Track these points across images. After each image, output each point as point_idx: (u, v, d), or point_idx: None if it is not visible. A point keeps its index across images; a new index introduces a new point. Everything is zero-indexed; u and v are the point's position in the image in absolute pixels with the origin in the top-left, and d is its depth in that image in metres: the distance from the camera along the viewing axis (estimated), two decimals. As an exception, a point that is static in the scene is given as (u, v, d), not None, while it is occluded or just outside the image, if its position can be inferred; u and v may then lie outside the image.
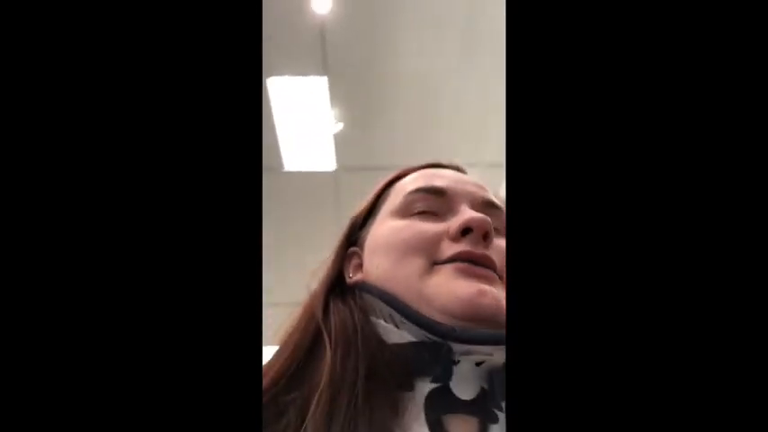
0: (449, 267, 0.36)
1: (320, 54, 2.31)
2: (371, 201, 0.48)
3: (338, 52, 2.32)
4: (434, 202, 0.41)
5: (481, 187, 0.44)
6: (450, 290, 0.35)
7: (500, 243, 0.39)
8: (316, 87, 2.44)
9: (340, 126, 2.66)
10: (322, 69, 2.37)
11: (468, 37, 2.27)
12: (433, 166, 0.48)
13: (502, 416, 0.32)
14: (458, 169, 0.49)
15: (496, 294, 0.35)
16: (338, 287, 0.43)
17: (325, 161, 2.83)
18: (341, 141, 2.76)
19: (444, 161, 0.50)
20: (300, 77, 2.38)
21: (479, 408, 0.32)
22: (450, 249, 0.37)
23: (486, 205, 0.42)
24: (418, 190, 0.43)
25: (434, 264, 0.37)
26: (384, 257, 0.40)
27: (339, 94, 2.51)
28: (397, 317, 0.36)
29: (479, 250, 0.37)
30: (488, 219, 0.37)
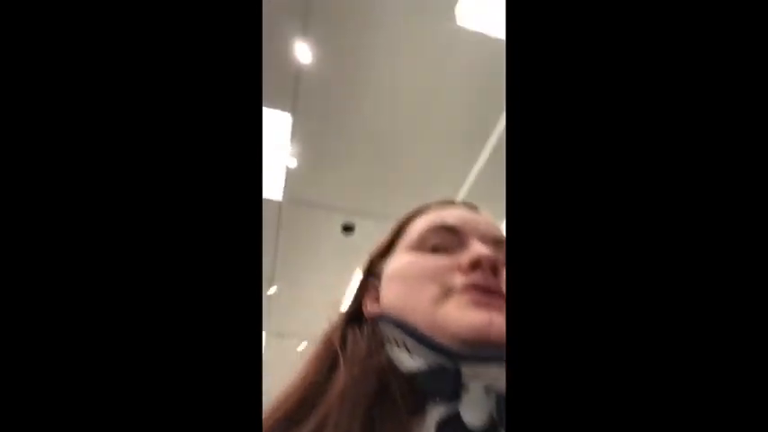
0: (461, 296, 0.38)
1: (291, 94, 2.56)
2: (390, 236, 0.51)
3: (308, 97, 2.59)
4: (447, 238, 0.44)
5: (491, 224, 0.47)
6: (462, 317, 0.37)
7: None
8: (280, 122, 2.68)
9: (294, 162, 2.90)
10: (289, 107, 2.63)
11: (425, 100, 2.64)
12: (447, 203, 0.51)
13: None
14: (470, 207, 0.52)
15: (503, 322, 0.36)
16: (357, 318, 0.46)
17: (274, 191, 3.04)
18: (292, 176, 2.98)
19: (456, 201, 0.53)
20: (268, 109, 2.61)
21: (498, 421, 0.32)
22: (462, 280, 0.39)
23: (495, 241, 0.44)
24: (432, 226, 0.45)
25: (447, 292, 0.39)
26: (400, 287, 0.42)
27: (300, 134, 2.76)
28: (410, 342, 0.38)
29: (489, 282, 0.38)
30: (497, 255, 0.40)
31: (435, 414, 0.33)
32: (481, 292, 0.38)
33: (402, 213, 0.53)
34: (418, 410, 0.33)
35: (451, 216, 0.46)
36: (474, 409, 0.32)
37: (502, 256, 0.42)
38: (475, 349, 0.35)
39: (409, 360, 0.37)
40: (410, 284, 0.41)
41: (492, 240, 0.44)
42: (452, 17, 2.25)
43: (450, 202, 0.51)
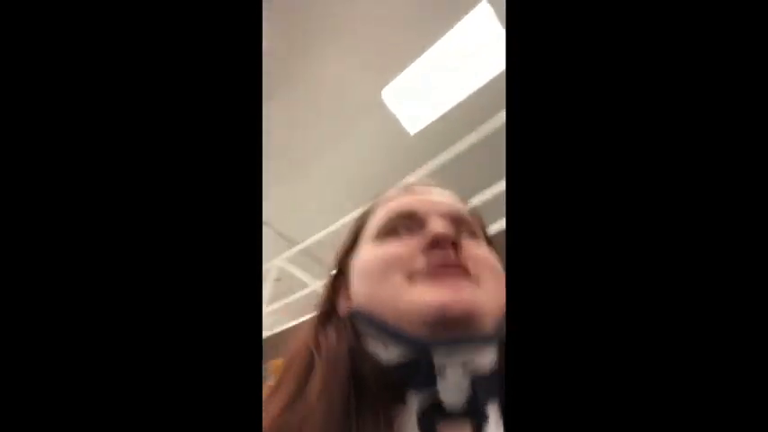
0: (423, 279, 0.38)
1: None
2: (352, 232, 0.50)
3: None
4: (406, 223, 0.44)
5: (449, 202, 0.47)
6: (423, 299, 0.36)
7: (473, 248, 0.42)
8: None
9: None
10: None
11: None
12: (402, 190, 0.51)
13: (492, 414, 0.34)
14: (425, 187, 0.51)
15: (468, 294, 0.36)
16: (330, 318, 0.45)
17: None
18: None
19: (417, 186, 0.52)
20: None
21: (470, 411, 0.33)
22: (423, 261, 0.39)
23: (454, 217, 0.44)
24: (390, 214, 0.45)
25: (409, 277, 0.39)
26: (366, 280, 0.42)
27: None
28: (382, 335, 0.38)
29: (449, 258, 0.38)
30: (451, 232, 0.40)
31: (415, 402, 0.34)
32: (442, 270, 0.38)
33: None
34: (398, 401, 0.34)
35: (408, 201, 0.46)
36: (452, 392, 0.33)
37: (463, 228, 0.44)
38: (442, 330, 0.35)
39: (384, 352, 0.37)
40: (375, 276, 0.41)
41: (451, 217, 0.44)
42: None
43: (405, 188, 0.51)
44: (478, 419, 0.33)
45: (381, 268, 0.41)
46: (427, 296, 0.36)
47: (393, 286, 0.39)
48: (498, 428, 0.34)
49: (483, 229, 0.49)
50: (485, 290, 0.38)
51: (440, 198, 0.47)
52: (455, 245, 0.40)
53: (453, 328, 0.35)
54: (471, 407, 0.33)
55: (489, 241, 0.48)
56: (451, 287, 0.36)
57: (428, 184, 0.52)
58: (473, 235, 0.45)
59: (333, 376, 0.37)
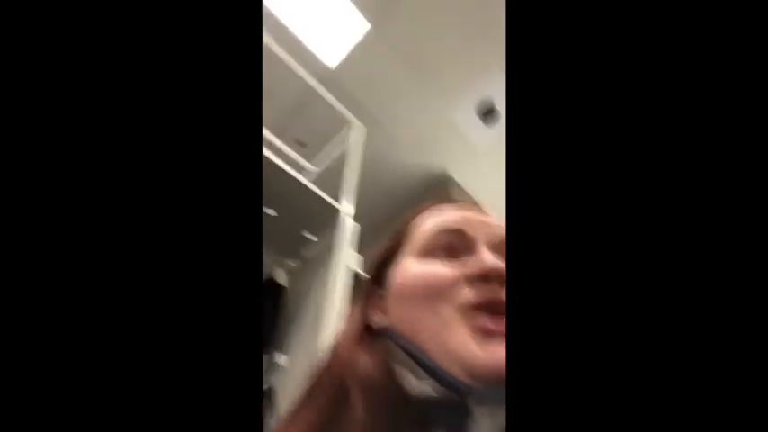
0: (472, 320, 0.35)
1: None
2: (393, 239, 0.48)
3: None
4: (454, 242, 0.42)
5: (498, 226, 0.44)
6: (474, 351, 0.34)
7: None
8: None
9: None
10: None
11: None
12: (451, 204, 0.48)
13: None
14: (476, 206, 0.48)
15: None
16: (365, 333, 0.43)
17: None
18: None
19: (460, 198, 0.50)
20: None
21: None
22: (472, 295, 0.36)
23: (503, 245, 0.42)
24: (437, 231, 0.43)
25: (457, 310, 0.36)
26: (408, 304, 0.39)
27: None
28: (419, 368, 0.36)
29: (498, 299, 0.36)
30: (503, 266, 0.37)
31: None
32: (491, 316, 0.35)
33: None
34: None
35: (458, 218, 0.44)
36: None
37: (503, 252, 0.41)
38: (486, 386, 0.33)
39: (418, 385, 0.35)
40: (418, 302, 0.38)
41: (500, 245, 0.41)
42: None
43: (455, 202, 0.48)
44: None
45: (427, 294, 0.38)
46: (482, 351, 0.34)
47: (441, 320, 0.36)
48: None
49: None
50: None
51: (489, 221, 0.44)
52: (503, 280, 0.36)
53: (496, 383, 0.33)
54: None
55: None
56: (503, 343, 0.34)
57: (473, 203, 0.49)
58: None
59: (371, 410, 0.35)
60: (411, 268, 0.41)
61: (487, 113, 2.72)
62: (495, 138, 2.89)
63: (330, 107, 1.89)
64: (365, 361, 0.39)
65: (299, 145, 2.55)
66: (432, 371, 0.34)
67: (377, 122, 2.73)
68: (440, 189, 3.15)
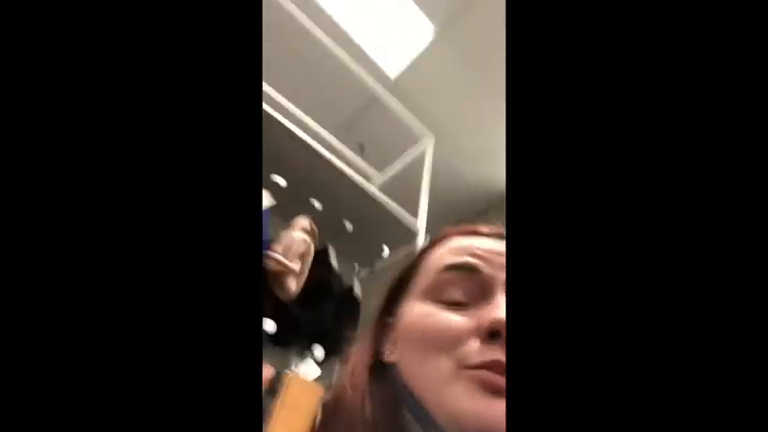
0: (473, 377, 0.32)
1: None
2: (406, 269, 0.44)
3: None
4: (467, 284, 0.37)
5: None
6: (472, 408, 0.31)
7: None
8: None
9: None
10: None
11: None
12: (472, 232, 0.43)
13: None
14: (501, 236, 0.42)
15: None
16: (376, 365, 0.41)
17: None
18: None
19: (485, 227, 0.43)
20: None
21: None
22: (477, 355, 0.33)
23: None
24: (450, 267, 0.38)
25: (459, 367, 0.33)
26: (411, 349, 0.37)
27: None
28: (419, 417, 0.34)
29: (503, 361, 0.32)
30: None
31: None
32: (494, 372, 0.32)
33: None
34: None
35: (474, 253, 0.39)
36: None
37: None
38: None
39: (415, 428, 0.35)
40: (421, 350, 0.36)
41: None
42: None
43: (476, 231, 0.43)
44: None
45: (429, 344, 0.35)
46: (480, 408, 0.31)
47: (440, 373, 0.34)
48: None
49: None
50: None
51: None
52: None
53: None
54: None
55: None
56: (500, 405, 0.31)
57: (499, 233, 0.42)
58: None
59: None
60: (418, 311, 0.38)
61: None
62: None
63: (395, 116, 1.79)
64: (373, 396, 0.38)
65: (360, 149, 2.47)
66: (428, 421, 0.33)
67: (442, 133, 2.60)
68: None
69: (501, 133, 2.65)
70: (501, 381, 0.32)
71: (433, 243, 0.44)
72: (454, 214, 3.00)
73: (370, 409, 0.37)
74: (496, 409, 0.31)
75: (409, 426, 0.35)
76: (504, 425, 0.30)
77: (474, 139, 2.73)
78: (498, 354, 0.33)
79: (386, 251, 1.50)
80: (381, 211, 1.38)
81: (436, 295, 0.38)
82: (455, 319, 0.35)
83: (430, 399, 0.34)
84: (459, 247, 0.40)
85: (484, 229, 0.44)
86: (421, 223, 1.46)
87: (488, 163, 2.85)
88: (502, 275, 0.37)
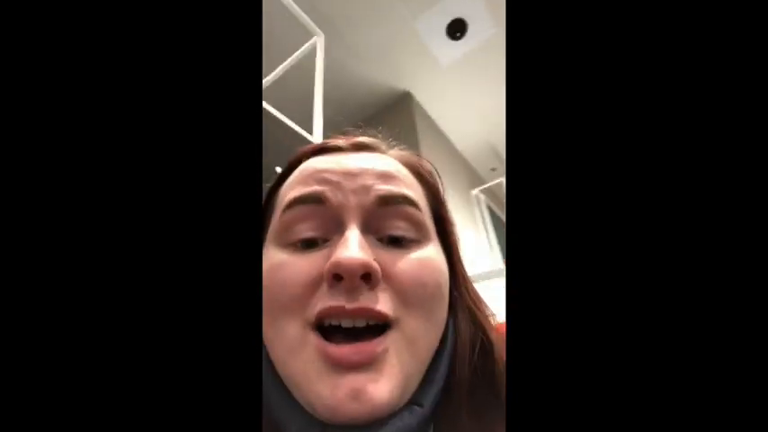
0: (313, 347, 0.28)
1: None
2: (263, 209, 0.38)
3: None
4: (315, 218, 0.32)
5: (383, 173, 0.33)
6: (315, 390, 0.27)
7: (401, 262, 0.31)
8: None
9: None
10: None
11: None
12: (324, 149, 0.37)
13: None
14: (360, 147, 0.37)
15: (377, 387, 0.27)
16: None
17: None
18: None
19: (340, 140, 0.38)
20: None
21: None
22: (318, 303, 0.29)
23: (385, 202, 0.32)
24: (293, 202, 0.32)
25: (304, 328, 0.29)
26: (264, 312, 0.31)
27: None
28: (277, 395, 0.30)
29: (352, 304, 0.28)
30: (362, 258, 0.28)
31: None
32: (340, 336, 0.29)
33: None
34: None
35: (322, 178, 0.33)
36: None
37: (396, 225, 0.32)
38: (336, 426, 0.27)
39: (280, 411, 0.30)
40: (270, 311, 0.30)
41: (377, 204, 0.32)
42: None
43: (327, 145, 0.38)
44: None
45: (276, 305, 0.30)
46: (323, 390, 0.27)
47: (286, 344, 0.29)
48: None
49: (438, 205, 0.37)
50: (405, 345, 0.29)
51: (372, 170, 0.33)
52: (367, 276, 0.28)
53: (349, 424, 0.27)
54: None
55: (439, 218, 0.36)
56: (349, 393, 0.26)
57: (359, 143, 0.38)
58: (414, 229, 0.33)
59: None
60: (269, 262, 0.32)
61: (455, 27, 2.51)
62: (461, 54, 2.71)
63: (288, 12, 1.63)
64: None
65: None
66: (279, 400, 0.29)
67: (332, 30, 2.44)
68: (400, 107, 2.99)
69: (397, 32, 2.58)
70: (343, 351, 0.28)
71: (285, 171, 0.38)
72: (346, 117, 2.96)
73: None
74: (340, 386, 0.27)
75: (269, 399, 0.30)
76: (354, 407, 0.26)
77: (367, 37, 2.62)
78: (339, 299, 0.28)
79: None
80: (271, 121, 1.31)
81: (286, 237, 0.32)
82: (301, 269, 0.30)
83: (280, 370, 0.30)
84: (306, 174, 0.34)
85: (338, 142, 0.38)
86: (317, 137, 1.39)
87: (383, 63, 2.79)
88: (354, 200, 0.32)
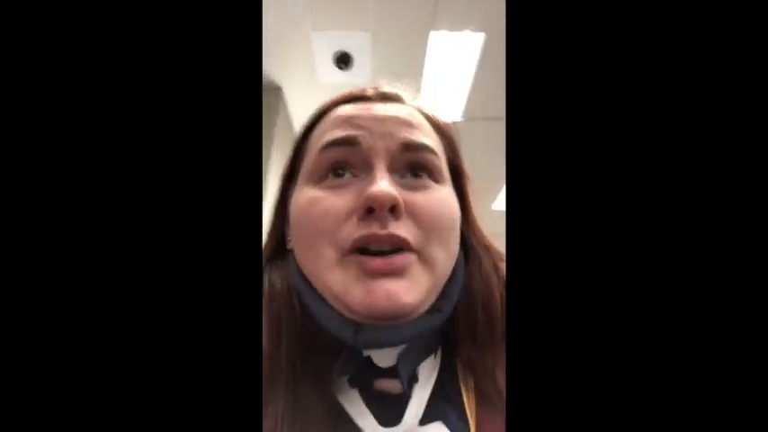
0: (352, 262, 0.34)
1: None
2: (293, 151, 0.44)
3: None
4: (348, 158, 0.37)
5: (407, 122, 0.38)
6: (354, 294, 0.33)
7: (421, 199, 0.36)
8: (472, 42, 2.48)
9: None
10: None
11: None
12: (354, 98, 0.42)
13: (422, 372, 0.35)
14: (386, 97, 0.42)
15: (396, 295, 0.33)
16: (279, 251, 0.42)
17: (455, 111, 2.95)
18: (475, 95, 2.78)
19: (370, 90, 0.42)
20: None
21: (400, 372, 0.34)
22: (353, 232, 0.34)
23: (409, 148, 0.37)
24: (328, 145, 0.37)
25: (338, 252, 0.35)
26: (299, 238, 0.37)
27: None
28: (317, 306, 0.36)
29: (385, 230, 0.33)
30: (390, 193, 0.33)
31: (351, 362, 0.35)
32: (371, 246, 0.34)
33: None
34: (334, 355, 0.35)
35: (352, 123, 0.38)
36: (383, 357, 0.35)
37: (418, 171, 0.37)
38: (371, 320, 0.34)
39: (314, 312, 0.36)
40: (305, 240, 0.37)
41: (402, 150, 0.37)
42: None
43: (359, 95, 0.42)
44: (408, 380, 0.34)
45: (311, 234, 0.36)
46: (358, 293, 0.33)
47: (323, 260, 0.35)
48: (427, 385, 0.35)
49: (452, 151, 0.42)
50: (425, 266, 0.35)
51: (395, 117, 0.38)
52: (395, 208, 0.34)
53: (382, 320, 0.34)
54: (401, 367, 0.34)
55: (455, 167, 0.42)
56: (383, 294, 0.33)
57: (383, 93, 0.42)
58: (432, 173, 0.38)
59: (273, 325, 0.35)
60: (303, 198, 0.38)
61: (342, 59, 2.70)
62: (338, 82, 2.87)
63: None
64: (275, 280, 0.38)
65: None
66: (321, 311, 0.35)
67: None
68: (267, 98, 3.00)
69: (294, 27, 2.60)
70: (378, 263, 0.33)
71: (316, 117, 0.42)
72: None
73: (270, 285, 0.38)
74: (376, 292, 0.32)
75: (308, 305, 0.36)
76: (385, 306, 0.32)
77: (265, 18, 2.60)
78: (373, 227, 0.33)
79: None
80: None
81: (319, 176, 0.37)
82: (334, 203, 0.35)
83: (318, 284, 0.36)
84: (341, 119, 0.39)
85: (367, 92, 0.42)
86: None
87: (269, 45, 2.78)
88: (381, 144, 0.36)
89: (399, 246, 0.34)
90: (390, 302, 0.33)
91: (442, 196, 0.37)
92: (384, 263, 0.33)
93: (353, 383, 0.35)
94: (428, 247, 0.35)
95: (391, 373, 0.34)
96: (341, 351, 0.35)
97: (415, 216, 0.35)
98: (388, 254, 0.34)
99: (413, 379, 0.35)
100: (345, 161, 0.37)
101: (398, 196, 0.34)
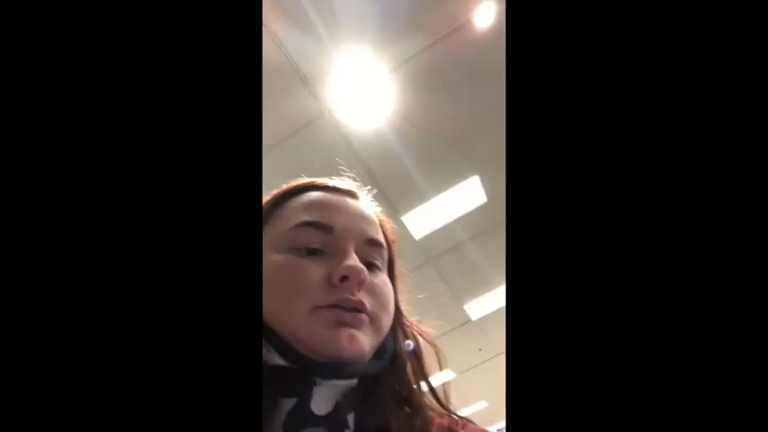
0: (325, 313, 0.41)
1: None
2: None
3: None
4: (321, 239, 0.44)
5: (369, 221, 0.48)
6: (323, 336, 0.40)
7: (375, 279, 0.45)
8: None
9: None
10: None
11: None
12: (324, 188, 0.50)
13: (351, 422, 0.40)
14: (351, 195, 0.50)
15: (359, 343, 0.41)
16: None
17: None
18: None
19: (339, 183, 0.51)
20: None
21: (333, 422, 0.39)
22: (329, 296, 0.41)
23: (370, 243, 0.46)
24: (307, 224, 0.44)
25: (312, 309, 0.41)
26: (271, 295, 0.41)
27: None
28: (275, 348, 0.41)
29: (355, 296, 0.42)
30: (363, 270, 0.42)
31: (286, 406, 0.38)
32: (343, 308, 0.41)
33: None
34: (273, 402, 0.38)
35: (330, 212, 0.46)
36: (321, 401, 0.39)
37: (374, 258, 0.46)
38: (329, 360, 0.40)
39: (273, 359, 0.41)
40: (277, 294, 0.42)
41: (367, 243, 0.46)
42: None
43: (329, 186, 0.50)
44: (339, 427, 0.39)
45: (285, 293, 0.42)
46: (330, 336, 0.40)
47: (295, 316, 0.41)
48: None
49: (390, 249, 0.50)
50: (373, 328, 0.43)
51: (361, 215, 0.47)
52: (362, 281, 0.42)
53: (340, 359, 0.40)
54: (334, 417, 0.39)
55: (391, 261, 0.50)
56: (347, 337, 0.40)
57: (351, 192, 0.50)
58: (380, 262, 0.47)
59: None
60: (275, 260, 0.43)
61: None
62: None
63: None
64: None
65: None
66: (284, 351, 0.40)
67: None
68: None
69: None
70: (347, 315, 0.41)
71: (288, 192, 0.49)
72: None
73: None
74: (342, 335, 0.40)
75: (270, 354, 0.41)
76: (350, 347, 0.40)
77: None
78: (347, 293, 0.41)
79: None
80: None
81: (291, 246, 0.44)
82: (310, 267, 0.42)
83: (286, 333, 0.41)
84: (314, 204, 0.47)
85: (339, 185, 0.50)
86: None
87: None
88: (352, 235, 0.45)
89: (361, 309, 0.42)
90: (352, 344, 0.40)
91: (384, 280, 0.47)
92: (353, 316, 0.41)
93: (286, 427, 0.38)
94: (377, 314, 0.44)
95: (324, 421, 0.39)
96: (280, 398, 0.39)
97: (370, 291, 0.44)
98: (353, 312, 0.42)
99: (344, 426, 0.39)
100: (320, 242, 0.44)
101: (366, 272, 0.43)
